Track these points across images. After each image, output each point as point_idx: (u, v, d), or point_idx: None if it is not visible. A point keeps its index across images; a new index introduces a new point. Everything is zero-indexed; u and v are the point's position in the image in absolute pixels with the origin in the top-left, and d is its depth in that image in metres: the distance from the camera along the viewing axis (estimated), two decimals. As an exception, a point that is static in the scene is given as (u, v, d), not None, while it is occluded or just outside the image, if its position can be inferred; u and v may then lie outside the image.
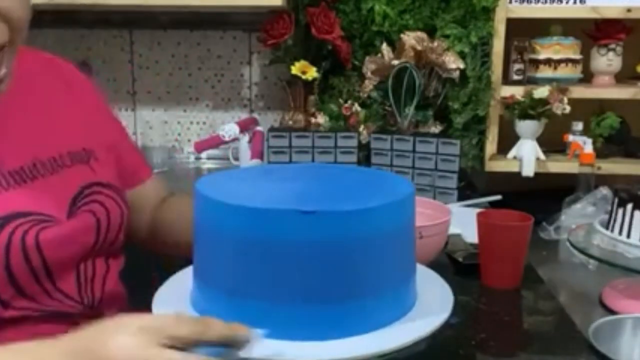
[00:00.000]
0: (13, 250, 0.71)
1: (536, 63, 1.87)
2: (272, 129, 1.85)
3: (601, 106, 1.88)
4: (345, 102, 1.87)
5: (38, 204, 0.75)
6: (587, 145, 1.70)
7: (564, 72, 1.85)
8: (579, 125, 1.81)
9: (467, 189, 1.73)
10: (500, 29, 1.81)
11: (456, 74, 1.83)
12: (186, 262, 0.90)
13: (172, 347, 0.57)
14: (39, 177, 0.76)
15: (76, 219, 0.79)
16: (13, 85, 0.76)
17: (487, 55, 1.83)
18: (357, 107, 1.85)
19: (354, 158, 1.77)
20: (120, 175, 0.93)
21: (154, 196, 1.01)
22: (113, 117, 0.98)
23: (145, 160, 1.04)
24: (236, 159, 1.93)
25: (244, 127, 1.92)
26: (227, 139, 1.88)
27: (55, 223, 0.76)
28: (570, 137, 1.80)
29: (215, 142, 1.92)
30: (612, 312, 1.10)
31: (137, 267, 1.36)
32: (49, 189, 0.77)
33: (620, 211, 1.15)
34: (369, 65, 1.88)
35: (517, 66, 1.87)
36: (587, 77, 1.92)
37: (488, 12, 1.81)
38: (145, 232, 1.01)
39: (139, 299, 0.95)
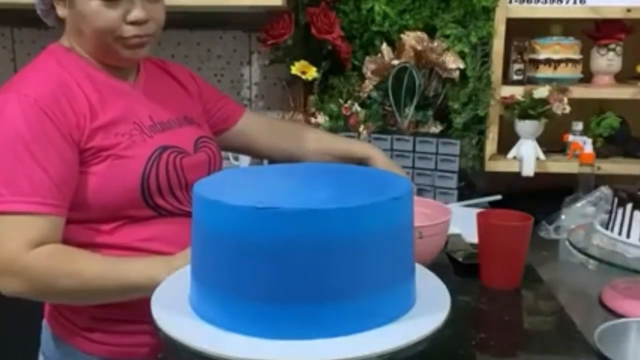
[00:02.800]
0: (166, 167, 1.10)
1: (536, 63, 1.87)
2: (272, 129, 1.85)
3: (601, 106, 1.88)
4: (345, 102, 1.87)
5: (178, 142, 1.15)
6: (587, 145, 1.70)
7: (564, 72, 1.85)
8: (579, 125, 1.81)
9: (467, 189, 1.73)
10: (500, 29, 1.81)
11: (456, 74, 1.83)
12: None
13: None
14: (173, 128, 1.18)
15: (200, 154, 1.19)
16: (155, 72, 1.26)
17: (487, 55, 1.83)
18: (357, 107, 1.85)
19: (354, 158, 1.77)
20: (217, 124, 1.37)
21: (255, 122, 1.44)
22: (207, 86, 1.41)
23: (235, 104, 1.45)
24: (236, 159, 1.93)
25: (244, 127, 1.91)
26: (227, 139, 1.88)
27: (189, 155, 1.16)
28: (570, 137, 1.80)
29: (215, 142, 1.92)
30: (612, 312, 1.10)
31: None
32: (180, 136, 1.17)
33: (620, 211, 1.15)
34: (369, 65, 1.88)
35: (517, 66, 1.87)
36: (587, 77, 1.92)
37: (488, 12, 1.81)
38: (266, 148, 1.46)
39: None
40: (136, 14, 1.06)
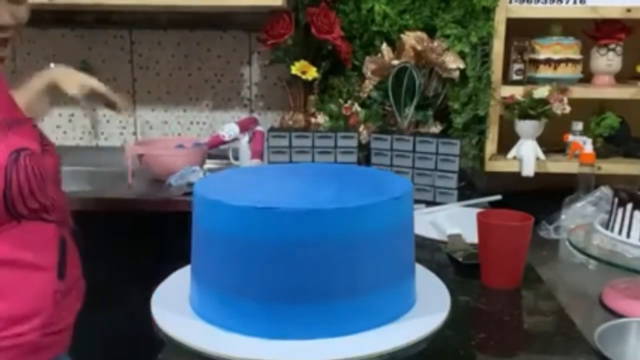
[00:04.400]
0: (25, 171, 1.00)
1: (536, 63, 1.87)
2: (272, 129, 1.85)
3: (601, 106, 1.88)
4: (345, 102, 1.87)
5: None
6: (587, 145, 1.70)
7: (564, 72, 1.85)
8: (579, 125, 1.81)
9: (467, 189, 1.73)
10: (500, 29, 1.81)
11: (456, 74, 1.83)
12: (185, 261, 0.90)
13: None
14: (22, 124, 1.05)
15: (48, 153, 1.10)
16: None
17: (487, 55, 1.83)
18: (357, 107, 1.85)
19: (354, 158, 1.77)
20: None
21: None
22: None
23: None
24: (236, 159, 1.92)
25: (244, 127, 1.92)
26: (227, 139, 1.89)
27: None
28: (570, 137, 1.80)
29: (215, 142, 1.92)
30: (612, 312, 1.10)
31: (135, 267, 1.36)
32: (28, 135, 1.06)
33: (620, 211, 1.15)
34: (369, 65, 1.88)
35: (517, 66, 1.87)
36: (587, 77, 1.92)
37: (488, 12, 1.81)
38: None
39: (138, 297, 0.95)
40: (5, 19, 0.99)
